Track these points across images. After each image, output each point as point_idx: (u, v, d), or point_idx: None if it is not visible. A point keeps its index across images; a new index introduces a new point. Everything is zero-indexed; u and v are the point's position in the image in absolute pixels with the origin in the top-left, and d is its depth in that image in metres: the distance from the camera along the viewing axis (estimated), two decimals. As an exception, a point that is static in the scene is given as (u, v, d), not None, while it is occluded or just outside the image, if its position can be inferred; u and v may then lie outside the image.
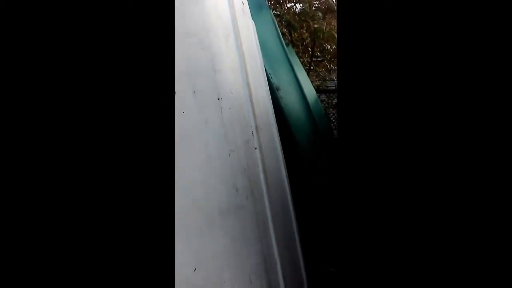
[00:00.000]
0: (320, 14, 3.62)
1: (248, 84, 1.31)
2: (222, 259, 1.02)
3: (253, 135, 1.28)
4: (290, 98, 2.54)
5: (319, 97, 4.24)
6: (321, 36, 3.43)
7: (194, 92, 1.09)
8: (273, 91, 2.25)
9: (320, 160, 2.53)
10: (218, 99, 1.13)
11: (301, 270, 1.65)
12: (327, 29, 3.55)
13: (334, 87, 4.50)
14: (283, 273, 1.22)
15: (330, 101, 4.67)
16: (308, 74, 4.33)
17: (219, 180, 1.06)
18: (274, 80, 2.29)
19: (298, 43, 4.39)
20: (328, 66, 4.51)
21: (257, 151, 1.29)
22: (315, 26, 3.45)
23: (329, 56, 4.36)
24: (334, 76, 4.80)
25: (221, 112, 1.12)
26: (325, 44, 4.06)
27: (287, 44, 2.97)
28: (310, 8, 3.71)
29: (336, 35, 3.87)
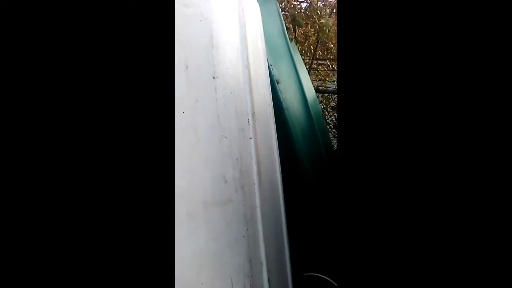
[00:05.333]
0: (327, 10, 3.49)
1: (248, 66, 1.18)
2: (202, 258, 0.89)
3: (248, 123, 1.15)
4: (289, 93, 2.42)
5: (317, 97, 4.13)
6: (327, 30, 3.29)
7: (186, 67, 0.96)
8: (273, 83, 2.13)
9: (315, 160, 2.42)
10: (214, 77, 1.00)
11: (287, 273, 1.54)
12: (334, 26, 3.43)
13: (333, 88, 4.38)
14: (268, 276, 1.10)
15: (328, 102, 4.56)
16: (308, 73, 4.21)
17: (206, 169, 0.93)
18: (275, 72, 2.17)
19: (301, 40, 4.26)
20: (330, 66, 4.40)
21: (252, 141, 1.17)
22: (321, 21, 3.32)
23: (332, 56, 4.24)
24: (334, 77, 4.69)
25: (216, 92, 0.99)
26: (329, 43, 3.94)
27: (290, 39, 2.85)
28: (317, 4, 3.58)
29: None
